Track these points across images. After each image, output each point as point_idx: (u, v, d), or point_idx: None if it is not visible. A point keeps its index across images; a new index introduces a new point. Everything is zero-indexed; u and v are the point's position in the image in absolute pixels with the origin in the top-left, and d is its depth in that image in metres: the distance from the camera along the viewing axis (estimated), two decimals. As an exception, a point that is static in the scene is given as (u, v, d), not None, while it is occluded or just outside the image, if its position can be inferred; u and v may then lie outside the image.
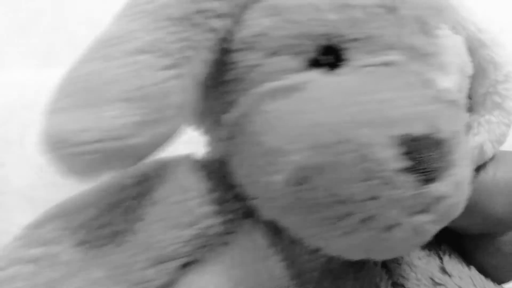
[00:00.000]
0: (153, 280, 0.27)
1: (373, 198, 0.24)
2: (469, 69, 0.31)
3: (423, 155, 0.25)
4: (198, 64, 0.26)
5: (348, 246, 0.26)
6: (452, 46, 0.30)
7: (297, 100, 0.26)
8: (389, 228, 0.25)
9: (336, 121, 0.25)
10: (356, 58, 0.27)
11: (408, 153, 0.24)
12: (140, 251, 0.27)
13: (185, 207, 0.28)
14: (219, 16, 0.26)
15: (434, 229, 0.26)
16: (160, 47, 0.25)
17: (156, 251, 0.27)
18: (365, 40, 0.27)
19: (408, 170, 0.24)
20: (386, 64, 0.27)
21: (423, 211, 0.25)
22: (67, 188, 0.44)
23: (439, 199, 0.25)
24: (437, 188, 0.25)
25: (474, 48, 0.32)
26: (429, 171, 0.25)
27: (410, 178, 0.24)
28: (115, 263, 0.27)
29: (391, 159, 0.24)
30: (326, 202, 0.25)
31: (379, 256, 0.28)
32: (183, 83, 0.25)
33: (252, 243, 0.29)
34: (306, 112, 0.25)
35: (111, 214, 0.27)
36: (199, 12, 0.25)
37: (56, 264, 0.27)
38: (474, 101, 0.32)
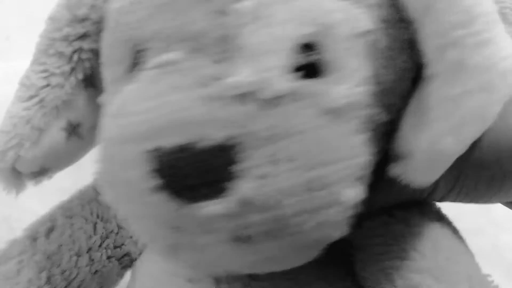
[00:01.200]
0: None
1: (140, 217, 0.23)
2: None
3: (175, 171, 0.21)
4: (59, 88, 0.29)
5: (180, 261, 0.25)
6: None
7: (105, 114, 0.25)
8: (174, 248, 0.23)
9: (106, 137, 0.24)
10: (147, 61, 0.24)
11: (160, 170, 0.21)
12: None
13: None
14: (79, 38, 0.29)
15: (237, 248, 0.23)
16: (27, 79, 0.29)
17: None
18: (154, 37, 0.24)
19: (162, 188, 0.21)
20: (167, 63, 0.23)
21: (200, 232, 0.22)
22: (74, 174, 0.43)
23: (212, 218, 0.22)
24: (202, 207, 0.21)
25: None
26: (185, 188, 0.21)
27: (164, 197, 0.22)
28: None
29: (142, 177, 0.22)
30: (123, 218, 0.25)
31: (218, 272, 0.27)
32: (44, 108, 0.29)
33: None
34: (104, 126, 0.25)
35: None
36: (58, 40, 0.29)
37: None
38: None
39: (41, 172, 0.31)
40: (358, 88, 0.23)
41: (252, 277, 0.28)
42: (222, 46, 0.23)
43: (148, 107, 0.22)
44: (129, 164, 0.22)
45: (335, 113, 0.23)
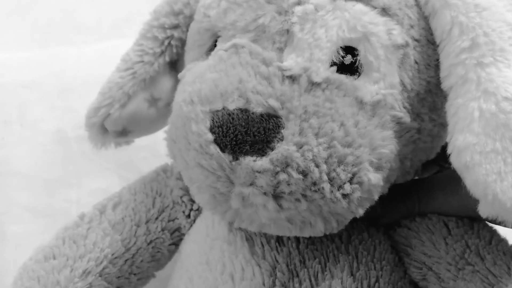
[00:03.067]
0: None
1: (198, 165, 0.28)
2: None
3: (228, 128, 0.26)
4: (149, 65, 0.36)
5: (215, 212, 0.30)
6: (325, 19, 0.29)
7: (181, 81, 0.33)
8: (223, 195, 0.28)
9: (179, 100, 0.30)
10: (219, 44, 0.31)
11: (217, 127, 0.26)
12: None
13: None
14: (172, 28, 0.36)
15: (270, 204, 0.27)
16: (126, 55, 0.37)
17: None
18: (227, 27, 0.31)
19: (216, 142, 0.26)
20: (232, 47, 0.29)
21: (244, 183, 0.27)
22: (66, 168, 0.49)
23: (255, 173, 0.26)
24: (249, 161, 0.26)
25: (435, 9, 0.29)
26: (236, 144, 0.26)
27: (217, 150, 0.26)
28: None
29: (202, 131, 0.27)
30: (182, 169, 0.30)
31: (251, 227, 0.30)
32: (135, 79, 0.36)
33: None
34: (179, 91, 0.32)
35: None
36: (156, 27, 0.36)
37: None
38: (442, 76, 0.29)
39: (123, 132, 0.37)
40: (388, 90, 0.29)
41: (281, 243, 0.32)
42: (282, 38, 0.29)
43: (217, 76, 0.28)
44: (195, 119, 0.28)
45: (366, 105, 0.28)
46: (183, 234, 0.38)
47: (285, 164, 0.26)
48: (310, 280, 0.31)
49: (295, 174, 0.26)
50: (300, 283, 0.30)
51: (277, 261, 0.31)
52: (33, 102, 0.50)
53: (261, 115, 0.27)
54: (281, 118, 0.27)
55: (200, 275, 0.33)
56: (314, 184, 0.27)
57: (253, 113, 0.27)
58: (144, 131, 0.39)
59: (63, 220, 0.41)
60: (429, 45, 0.30)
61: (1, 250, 0.48)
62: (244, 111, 0.27)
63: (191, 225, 0.38)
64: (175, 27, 0.36)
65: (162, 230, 0.37)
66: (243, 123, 0.26)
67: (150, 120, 0.38)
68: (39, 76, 0.51)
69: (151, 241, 0.37)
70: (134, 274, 0.37)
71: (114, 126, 0.37)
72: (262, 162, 0.26)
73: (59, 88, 0.51)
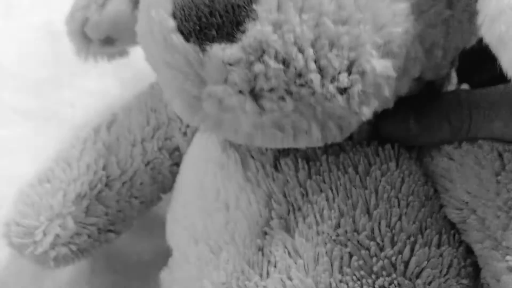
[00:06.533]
0: None
1: (165, 63, 0.24)
2: None
3: (190, 10, 0.22)
4: None
5: (193, 122, 0.25)
6: None
7: None
8: (195, 98, 0.24)
9: None
10: None
11: (178, 10, 0.22)
12: None
13: None
14: None
15: (250, 106, 0.22)
16: None
17: None
18: None
19: (179, 29, 0.22)
20: None
21: (217, 81, 0.23)
22: (58, 67, 0.45)
23: (226, 65, 0.22)
24: (217, 51, 0.22)
25: None
26: (200, 29, 0.22)
27: (181, 40, 0.22)
28: None
29: (162, 17, 0.23)
30: (154, 71, 0.26)
31: (236, 139, 0.26)
32: None
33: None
34: None
35: None
36: None
37: None
38: None
39: (107, 40, 0.33)
40: None
41: (278, 168, 0.28)
42: None
43: None
44: (155, 3, 0.23)
45: None
46: (183, 154, 0.35)
47: (261, 51, 0.21)
48: (315, 217, 0.27)
49: (273, 63, 0.21)
50: (304, 219, 0.27)
51: (272, 189, 0.28)
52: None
53: None
54: None
55: (194, 202, 0.30)
56: (300, 75, 0.22)
57: None
58: (132, 38, 0.33)
59: (56, 123, 0.40)
60: None
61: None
62: None
63: (189, 144, 0.34)
64: None
65: (159, 149, 0.34)
66: (207, 2, 0.21)
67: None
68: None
69: (148, 162, 0.34)
70: (135, 197, 0.34)
71: (96, 33, 0.32)
72: (232, 50, 0.21)
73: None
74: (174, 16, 0.22)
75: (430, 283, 0.26)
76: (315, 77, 0.22)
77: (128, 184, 0.34)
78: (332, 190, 0.27)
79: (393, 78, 0.23)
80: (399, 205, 0.26)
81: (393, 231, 0.26)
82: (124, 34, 0.33)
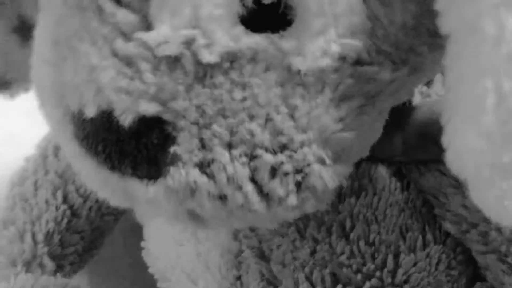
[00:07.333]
0: None
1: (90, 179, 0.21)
2: None
3: (97, 142, 0.18)
4: None
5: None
6: None
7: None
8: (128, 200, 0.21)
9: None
10: None
11: (81, 139, 0.19)
12: None
13: None
14: None
15: None
16: None
17: None
18: None
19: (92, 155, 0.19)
20: None
21: (150, 205, 0.20)
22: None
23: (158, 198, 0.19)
24: (140, 186, 0.19)
25: None
26: (113, 167, 0.19)
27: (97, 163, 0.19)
28: None
29: (71, 140, 0.20)
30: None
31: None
32: None
33: None
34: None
35: None
36: None
37: None
38: None
39: (3, 84, 0.28)
40: (344, 40, 0.18)
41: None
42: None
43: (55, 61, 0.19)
44: (58, 126, 0.20)
45: (306, 76, 0.18)
46: None
47: (191, 191, 0.19)
48: (288, 246, 0.26)
49: (207, 203, 0.19)
50: (278, 247, 0.26)
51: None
52: None
53: (134, 128, 0.18)
54: (169, 125, 0.18)
55: (165, 229, 0.29)
56: (242, 206, 0.19)
57: (121, 126, 0.18)
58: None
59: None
60: None
61: None
62: (112, 117, 0.18)
63: None
64: None
65: None
66: (114, 139, 0.18)
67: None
68: None
69: None
70: (107, 214, 0.33)
71: None
72: (155, 188, 0.19)
73: None
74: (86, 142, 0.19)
75: (418, 284, 0.25)
76: (259, 205, 0.19)
77: (96, 207, 0.32)
78: (303, 220, 0.25)
79: (349, 170, 0.21)
80: (376, 220, 0.25)
81: (373, 247, 0.25)
82: (20, 73, 0.27)
